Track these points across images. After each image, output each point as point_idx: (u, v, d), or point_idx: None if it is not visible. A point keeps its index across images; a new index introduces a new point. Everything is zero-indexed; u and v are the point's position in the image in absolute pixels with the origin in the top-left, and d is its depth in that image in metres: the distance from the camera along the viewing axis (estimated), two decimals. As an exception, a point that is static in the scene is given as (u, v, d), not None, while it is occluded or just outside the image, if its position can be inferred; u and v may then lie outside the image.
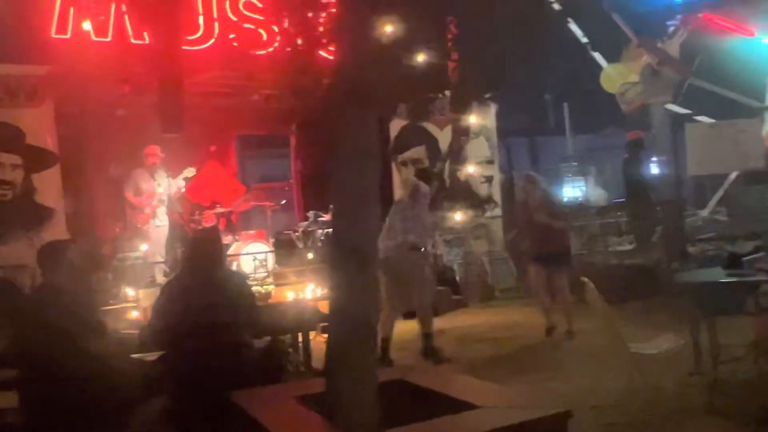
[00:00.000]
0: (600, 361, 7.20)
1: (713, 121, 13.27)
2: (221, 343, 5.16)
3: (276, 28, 10.76)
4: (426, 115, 12.98)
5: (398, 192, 11.03)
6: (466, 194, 13.44)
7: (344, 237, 4.12)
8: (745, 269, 6.71)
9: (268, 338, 6.13)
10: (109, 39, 10.21)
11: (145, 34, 10.09)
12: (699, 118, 13.98)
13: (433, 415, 4.00)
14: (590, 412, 5.89)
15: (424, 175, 10.49)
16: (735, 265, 7.03)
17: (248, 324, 5.43)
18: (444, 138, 13.57)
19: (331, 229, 6.48)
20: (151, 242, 11.28)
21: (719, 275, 6.75)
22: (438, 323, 9.03)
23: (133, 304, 8.80)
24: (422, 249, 8.34)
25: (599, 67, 15.29)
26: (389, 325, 8.13)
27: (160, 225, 11.51)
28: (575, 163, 19.69)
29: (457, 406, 4.15)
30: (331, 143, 4.13)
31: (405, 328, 9.10)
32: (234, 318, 5.30)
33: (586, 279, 6.06)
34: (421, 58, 9.86)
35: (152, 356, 5.62)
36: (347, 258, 4.05)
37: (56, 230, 9.79)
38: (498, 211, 14.01)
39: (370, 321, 4.09)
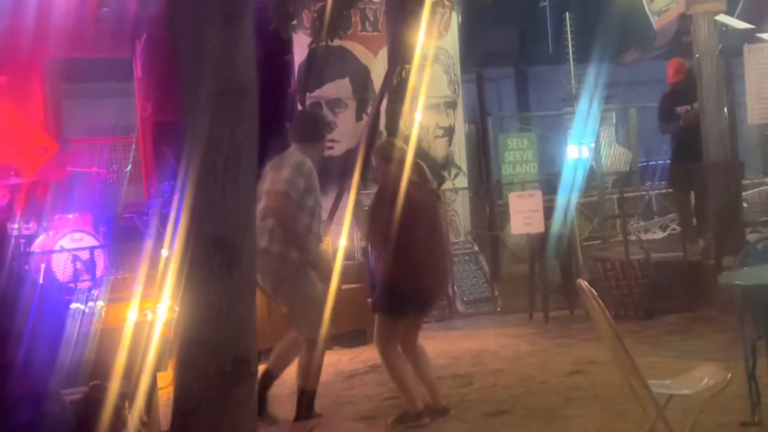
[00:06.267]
0: (606, 407, 6.42)
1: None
2: (5, 395, 4.32)
3: None
4: (347, 28, 10.71)
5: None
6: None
7: (202, 220, 3.54)
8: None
9: (89, 386, 5.32)
10: None
11: None
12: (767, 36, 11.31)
13: None
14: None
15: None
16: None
17: (53, 363, 4.68)
18: (379, 67, 11.17)
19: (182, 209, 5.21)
20: None
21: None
22: (368, 355, 8.44)
23: None
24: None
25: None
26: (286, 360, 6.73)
27: None
28: (582, 106, 17.17)
29: None
30: (180, 74, 3.52)
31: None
32: (29, 355, 4.57)
33: (583, 282, 5.18)
34: None
35: None
36: (207, 253, 3.51)
37: None
38: (462, 180, 12.23)
39: (245, 352, 3.52)
